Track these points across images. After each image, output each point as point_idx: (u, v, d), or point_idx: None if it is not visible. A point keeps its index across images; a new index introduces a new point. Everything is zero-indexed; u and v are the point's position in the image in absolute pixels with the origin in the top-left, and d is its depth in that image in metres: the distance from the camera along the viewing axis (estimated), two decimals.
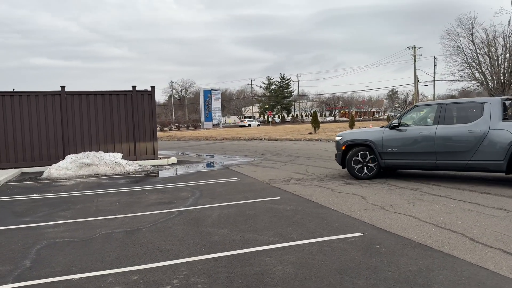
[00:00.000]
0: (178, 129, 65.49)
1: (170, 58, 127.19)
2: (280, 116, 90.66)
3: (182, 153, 20.32)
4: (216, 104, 76.12)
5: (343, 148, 9.80)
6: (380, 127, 10.21)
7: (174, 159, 15.60)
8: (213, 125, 73.55)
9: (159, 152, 16.62)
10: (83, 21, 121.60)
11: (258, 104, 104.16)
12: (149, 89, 15.50)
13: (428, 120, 9.11)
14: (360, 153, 9.52)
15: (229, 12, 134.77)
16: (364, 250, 4.55)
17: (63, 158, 13.28)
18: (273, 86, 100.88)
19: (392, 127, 9.23)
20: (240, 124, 77.36)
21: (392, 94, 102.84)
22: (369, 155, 9.45)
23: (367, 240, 4.91)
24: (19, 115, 13.91)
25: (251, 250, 4.70)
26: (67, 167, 12.45)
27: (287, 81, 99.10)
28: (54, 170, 12.29)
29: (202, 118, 72.96)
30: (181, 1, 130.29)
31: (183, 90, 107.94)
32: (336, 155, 10.26)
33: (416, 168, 9.18)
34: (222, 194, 8.38)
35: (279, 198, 7.76)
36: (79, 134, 14.54)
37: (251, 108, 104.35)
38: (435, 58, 64.07)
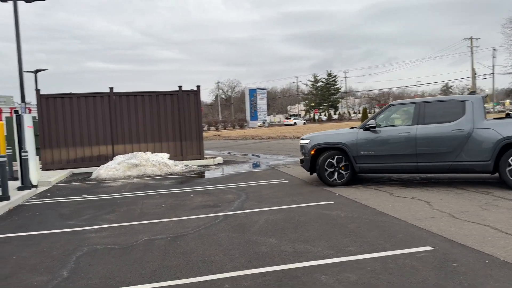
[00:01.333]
0: (224, 129, 66.02)
1: (218, 59, 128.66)
2: (326, 113, 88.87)
3: (228, 153, 20.10)
4: (262, 103, 75.92)
5: (312, 152, 8.81)
6: (351, 128, 9.35)
7: (220, 159, 15.36)
8: (259, 124, 73.41)
9: (205, 151, 16.47)
10: (136, 25, 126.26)
11: (304, 102, 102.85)
12: (195, 89, 15.35)
13: (406, 120, 8.45)
14: (336, 157, 8.56)
15: (277, 10, 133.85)
16: (437, 269, 3.87)
17: (112, 159, 13.41)
18: (319, 83, 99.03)
19: (367, 128, 8.43)
20: (286, 122, 76.62)
21: (446, 89, 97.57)
22: (344, 161, 8.57)
23: (440, 256, 4.20)
24: (70, 117, 14.23)
25: (303, 265, 4.16)
26: (116, 167, 12.52)
27: (334, 78, 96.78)
28: (103, 171, 12.39)
29: (248, 117, 73.05)
30: (229, 1, 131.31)
31: (229, 90, 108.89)
32: (301, 160, 9.29)
33: (394, 171, 8.46)
34: (269, 197, 7.89)
35: (331, 202, 7.14)
36: (127, 134, 14.66)
37: (296, 106, 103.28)
38: (494, 49, 59.86)
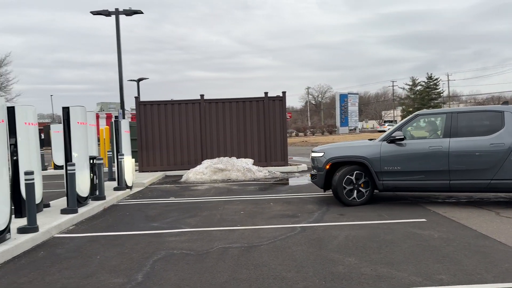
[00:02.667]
0: (313, 134, 65.29)
1: (311, 64, 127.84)
2: None
3: None
4: (353, 108, 73.56)
5: (327, 167, 7.81)
6: (369, 140, 8.15)
7: (304, 166, 15.04)
8: (349, 130, 71.19)
9: (291, 157, 16.27)
10: (234, 34, 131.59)
11: (401, 107, 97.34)
12: (281, 95, 15.28)
13: (436, 132, 7.59)
14: (355, 173, 7.59)
15: (376, 11, 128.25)
16: None
17: (200, 163, 13.89)
18: (418, 87, 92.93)
19: (392, 141, 7.45)
20: (379, 128, 73.15)
21: None
22: (364, 177, 7.60)
23: None
24: (165, 122, 15.10)
25: None
26: (203, 171, 12.93)
27: (434, 81, 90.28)
28: (192, 174, 12.89)
29: (338, 123, 71.31)
30: (324, 5, 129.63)
31: (320, 96, 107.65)
32: (313, 175, 8.26)
33: (423, 190, 7.54)
34: (352, 210, 7.38)
35: (423, 220, 6.42)
36: (215, 139, 15.12)
37: (392, 111, 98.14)
38: None
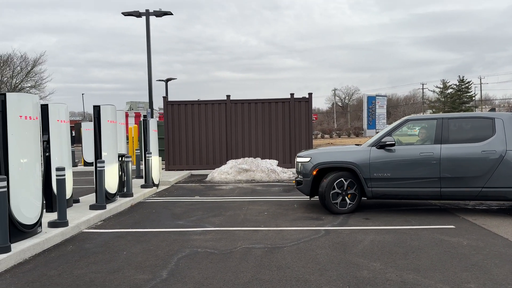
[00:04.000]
0: (339, 137, 64.58)
1: (339, 65, 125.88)
2: None
3: None
4: (381, 110, 72.33)
5: (314, 173, 7.44)
6: (356, 145, 7.83)
7: None
8: (377, 132, 70.07)
9: None
10: (262, 35, 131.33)
11: (430, 111, 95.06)
12: (307, 96, 15.20)
13: (426, 138, 7.31)
14: (339, 180, 7.26)
15: (409, 12, 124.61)
16: None
17: (225, 163, 13.98)
18: (449, 90, 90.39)
19: (381, 146, 7.15)
20: (409, 132, 71.64)
21: None
22: (351, 183, 7.28)
23: None
24: (191, 122, 15.29)
25: None
26: (228, 171, 13.01)
27: (466, 84, 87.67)
28: (217, 174, 12.99)
29: (365, 126, 70.27)
30: (356, 6, 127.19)
31: (347, 97, 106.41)
32: (297, 181, 7.84)
33: (413, 197, 7.19)
34: (377, 214, 7.26)
35: (452, 227, 6.24)
36: (240, 139, 15.19)
37: (421, 114, 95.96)
38: None
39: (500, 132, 6.81)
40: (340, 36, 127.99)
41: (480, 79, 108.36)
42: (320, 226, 6.43)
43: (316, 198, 8.23)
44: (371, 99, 72.19)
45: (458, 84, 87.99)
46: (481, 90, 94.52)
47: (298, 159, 7.88)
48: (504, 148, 6.71)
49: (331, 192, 7.24)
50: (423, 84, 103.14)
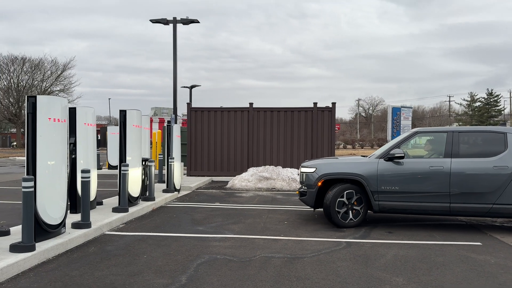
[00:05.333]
0: (362, 148, 63.75)
1: (366, 75, 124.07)
2: None
3: None
4: (406, 122, 71.00)
5: (319, 184, 7.19)
6: (362, 156, 7.53)
7: None
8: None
9: None
10: (288, 43, 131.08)
11: (457, 124, 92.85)
12: (331, 106, 15.08)
13: (436, 151, 7.13)
14: (346, 192, 7.00)
15: (440, 22, 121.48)
16: None
17: (246, 170, 13.98)
18: (477, 104, 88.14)
19: (390, 158, 6.92)
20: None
21: None
22: (357, 196, 7.01)
23: None
24: (214, 128, 15.40)
25: None
26: (248, 179, 13.00)
27: (495, 98, 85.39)
28: (237, 181, 13.00)
29: (389, 137, 69.07)
30: (384, 15, 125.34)
31: (370, 108, 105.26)
32: (301, 192, 7.56)
33: (421, 212, 6.90)
34: (401, 228, 7.08)
35: (478, 244, 6.02)
36: (261, 147, 15.18)
37: (447, 127, 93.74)
38: None
39: None
40: (367, 46, 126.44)
41: (510, 93, 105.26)
42: (341, 238, 6.32)
43: (320, 209, 8.11)
44: (396, 110, 71.11)
45: (486, 97, 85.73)
46: (510, 104, 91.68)
47: (303, 169, 7.66)
48: None
49: (336, 205, 7.00)
50: (449, 96, 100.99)
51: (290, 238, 6.32)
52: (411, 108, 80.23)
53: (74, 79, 51.37)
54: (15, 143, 50.74)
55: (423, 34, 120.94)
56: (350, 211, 7.04)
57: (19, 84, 46.82)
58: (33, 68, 46.94)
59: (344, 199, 7.01)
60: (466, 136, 6.94)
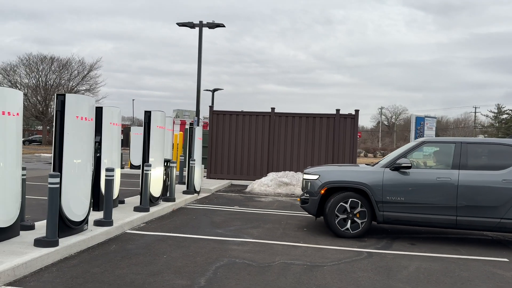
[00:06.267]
0: (383, 156, 62.88)
1: (391, 83, 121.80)
2: None
3: None
4: (429, 132, 69.69)
5: (322, 192, 6.91)
6: (367, 164, 7.28)
7: None
8: (424, 155, 67.55)
9: None
10: (312, 50, 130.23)
11: (482, 136, 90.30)
12: (353, 113, 14.93)
13: (444, 162, 6.90)
14: (351, 200, 6.74)
15: (470, 31, 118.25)
16: None
17: (266, 175, 13.95)
18: (504, 116, 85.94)
19: (396, 168, 6.70)
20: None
21: None
22: (360, 206, 6.74)
23: None
24: (235, 132, 15.43)
25: None
26: (268, 184, 12.96)
27: None
28: (256, 186, 12.97)
29: None
30: (412, 23, 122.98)
31: (393, 117, 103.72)
32: (303, 200, 7.28)
33: (426, 225, 6.70)
34: (424, 240, 6.91)
35: (505, 260, 5.82)
36: (282, 152, 15.13)
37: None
38: None
39: None
40: (393, 54, 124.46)
41: None
42: (362, 248, 6.20)
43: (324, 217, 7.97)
44: (420, 120, 69.86)
45: None
46: None
47: (305, 176, 7.44)
48: None
49: (339, 214, 6.80)
50: (475, 107, 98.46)
51: (309, 245, 6.25)
52: (435, 118, 78.76)
53: (100, 79, 52.48)
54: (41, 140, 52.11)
55: (451, 43, 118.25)
56: (354, 220, 6.80)
57: (47, 83, 48.16)
58: (61, 68, 48.25)
59: (346, 208, 6.79)
60: (475, 147, 6.75)
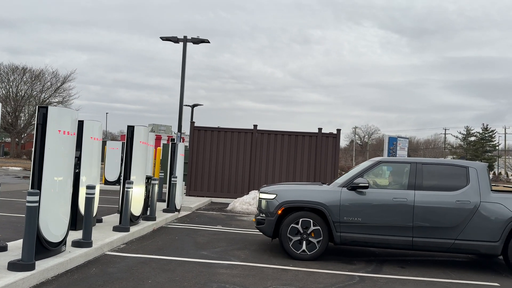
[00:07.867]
0: None
1: (364, 103, 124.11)
2: None
3: None
4: (402, 152, 71.36)
5: (279, 212, 6.74)
6: (322, 184, 7.30)
7: None
8: None
9: None
10: (289, 68, 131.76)
11: (451, 157, 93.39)
12: (335, 132, 15.01)
13: (400, 182, 6.87)
14: (300, 220, 6.58)
15: (443, 55, 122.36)
16: None
17: (247, 193, 13.73)
18: (472, 138, 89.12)
19: (353, 188, 6.59)
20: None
21: None
22: (313, 225, 6.55)
23: None
24: (216, 149, 15.19)
25: None
26: (249, 202, 12.73)
27: (490, 133, 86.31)
28: (238, 204, 12.71)
29: None
30: (387, 45, 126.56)
31: (366, 136, 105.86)
32: (258, 220, 7.04)
33: (383, 246, 6.62)
34: (413, 263, 6.84)
35: (496, 284, 5.79)
36: (264, 170, 14.97)
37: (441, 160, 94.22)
38: None
39: (474, 182, 6.53)
40: (368, 75, 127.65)
41: (505, 129, 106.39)
42: (353, 272, 6.05)
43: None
44: (393, 140, 71.42)
45: (481, 132, 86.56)
46: (505, 140, 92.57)
47: (262, 195, 7.14)
48: (478, 199, 6.41)
49: (291, 236, 6.58)
50: (445, 129, 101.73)
51: (300, 268, 6.05)
52: (407, 138, 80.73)
53: (73, 91, 51.27)
54: (8, 153, 50.06)
55: (425, 65, 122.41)
56: (310, 242, 6.56)
57: (18, 94, 46.56)
58: (33, 79, 46.81)
59: (302, 228, 6.56)
60: (430, 168, 6.77)
